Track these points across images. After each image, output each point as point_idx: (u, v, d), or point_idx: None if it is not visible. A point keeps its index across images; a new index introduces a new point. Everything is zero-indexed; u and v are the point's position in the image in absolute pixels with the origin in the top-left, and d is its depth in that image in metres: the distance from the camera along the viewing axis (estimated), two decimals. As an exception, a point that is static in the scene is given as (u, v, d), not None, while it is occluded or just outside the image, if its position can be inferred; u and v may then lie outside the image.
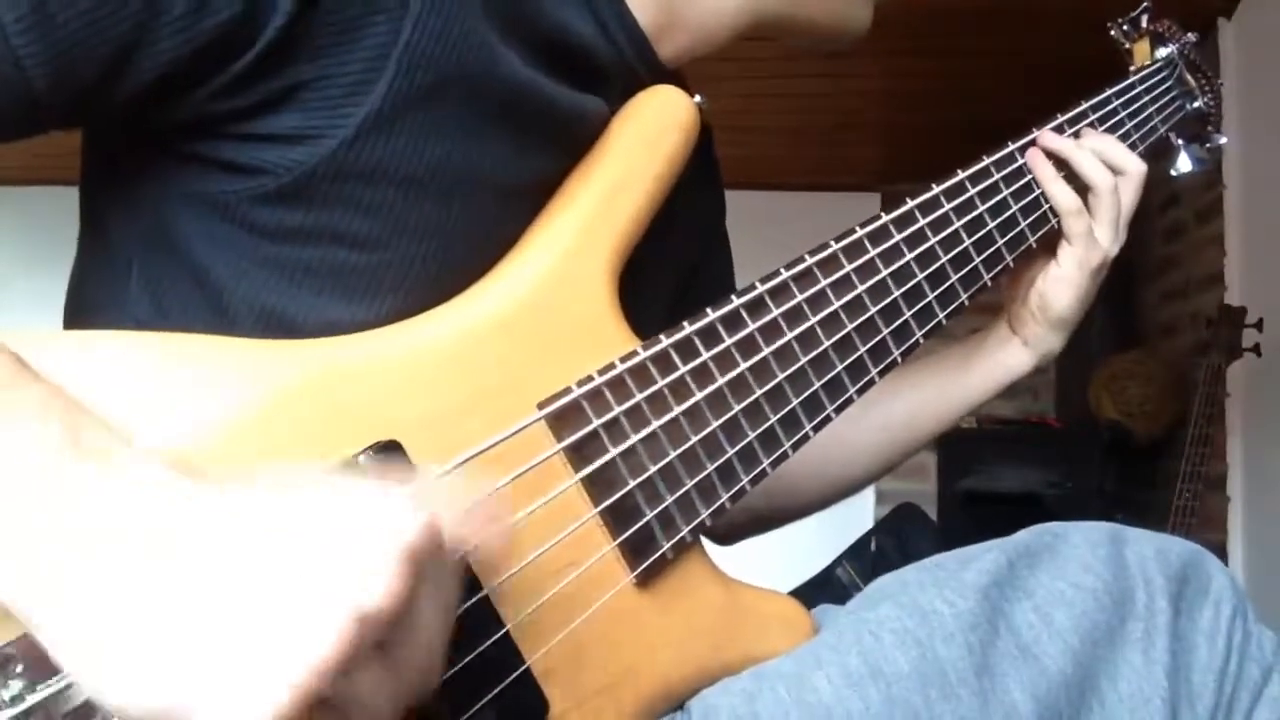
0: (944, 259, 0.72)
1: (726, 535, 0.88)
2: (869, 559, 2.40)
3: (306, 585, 0.36)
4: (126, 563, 0.36)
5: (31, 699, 0.37)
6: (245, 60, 0.49)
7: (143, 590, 0.35)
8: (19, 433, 0.38)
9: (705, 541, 0.63)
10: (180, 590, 0.35)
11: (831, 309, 0.66)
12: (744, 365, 0.62)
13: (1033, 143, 0.79)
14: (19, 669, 0.37)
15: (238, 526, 0.37)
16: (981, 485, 3.02)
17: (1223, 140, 1.01)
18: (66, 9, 0.45)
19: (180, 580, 0.35)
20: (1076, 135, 0.81)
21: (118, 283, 0.56)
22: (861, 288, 0.67)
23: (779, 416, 0.63)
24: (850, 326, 0.66)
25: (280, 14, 0.49)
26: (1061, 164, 0.79)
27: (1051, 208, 0.78)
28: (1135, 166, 0.80)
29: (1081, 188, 0.79)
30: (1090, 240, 0.78)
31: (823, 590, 2.25)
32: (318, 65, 0.51)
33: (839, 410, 0.66)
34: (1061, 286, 0.79)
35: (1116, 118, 0.86)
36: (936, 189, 0.73)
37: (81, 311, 0.60)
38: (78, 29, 0.46)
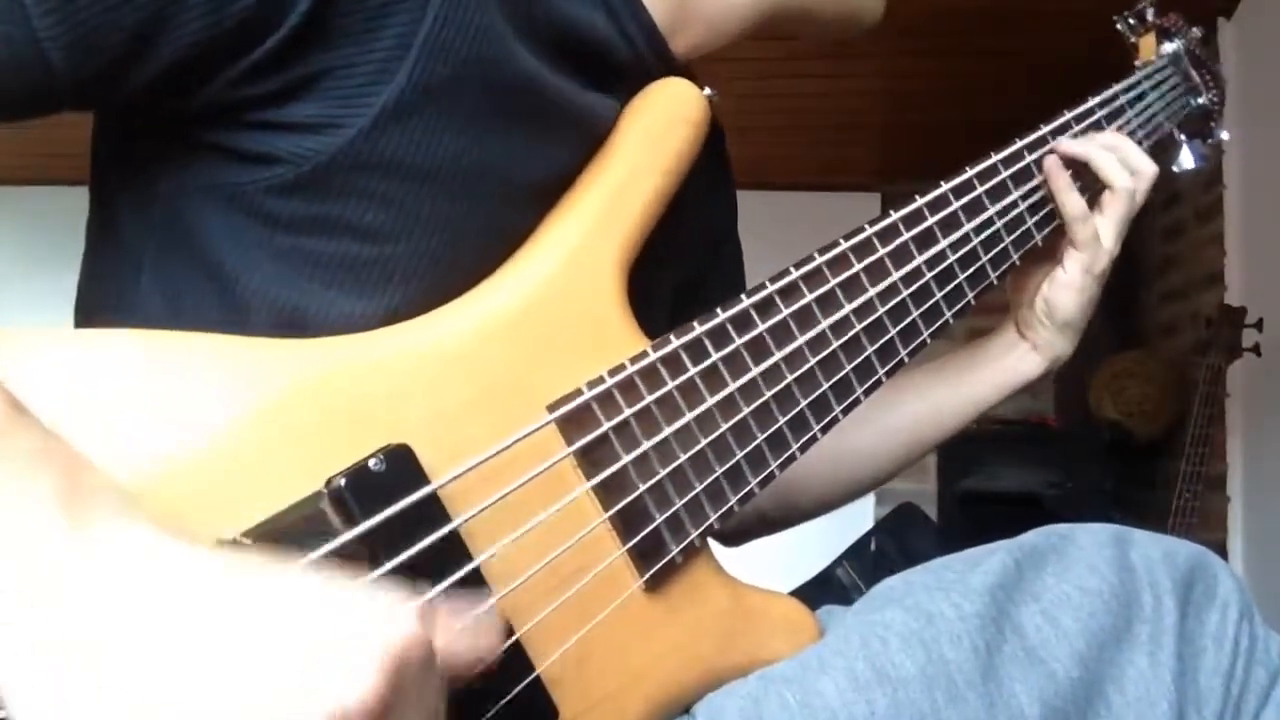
0: (952, 258, 0.72)
1: (733, 537, 0.88)
2: (869, 559, 2.40)
3: (288, 682, 0.34)
4: (104, 646, 0.34)
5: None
6: (267, 47, 0.49)
7: (117, 677, 0.34)
8: (8, 487, 0.36)
9: (709, 542, 0.63)
10: (156, 680, 0.34)
11: (841, 310, 0.65)
12: (754, 367, 0.61)
13: (1042, 141, 0.79)
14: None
15: (222, 614, 0.36)
16: (981, 485, 3.02)
17: (1225, 136, 1.01)
18: None
19: (158, 670, 0.34)
20: (1085, 135, 0.81)
21: (128, 280, 0.56)
22: (871, 288, 0.67)
23: (787, 419, 0.63)
24: (859, 327, 0.66)
25: (304, 2, 0.49)
26: (1067, 164, 0.79)
27: (1060, 215, 0.78)
28: (1149, 168, 0.80)
29: (1086, 186, 0.79)
30: (1096, 244, 0.78)
31: (823, 590, 2.25)
32: (338, 54, 0.51)
33: (846, 411, 0.66)
34: (1067, 292, 0.79)
35: (1124, 114, 0.86)
36: (945, 186, 0.73)
37: (92, 308, 0.60)
38: (99, 10, 0.46)
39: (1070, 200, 0.77)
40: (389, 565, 0.46)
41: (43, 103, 0.48)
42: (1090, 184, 0.79)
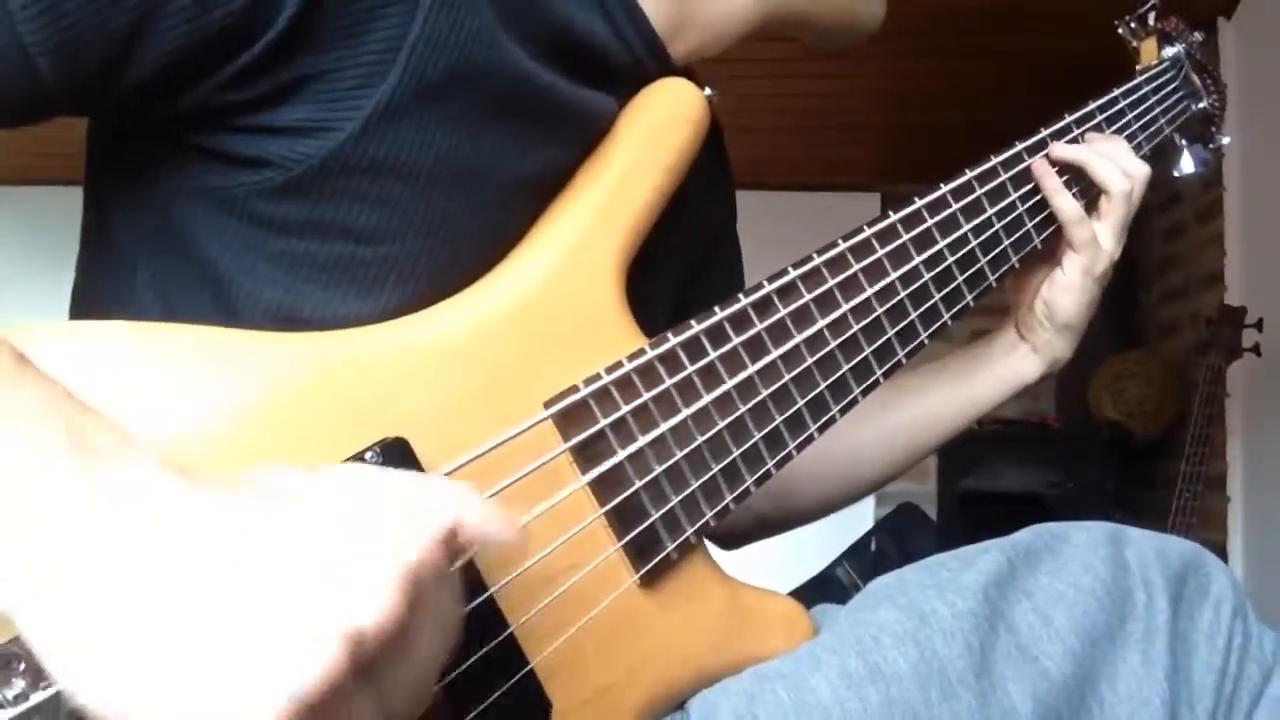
0: (951, 260, 0.72)
1: (732, 540, 0.88)
2: (869, 559, 2.40)
3: (299, 603, 0.34)
4: (116, 572, 0.35)
5: (35, 697, 0.37)
6: (253, 51, 0.49)
7: (131, 600, 0.34)
8: (17, 433, 0.37)
9: (708, 544, 0.63)
10: (170, 603, 0.34)
11: (839, 310, 0.66)
12: (751, 365, 0.62)
13: (1041, 144, 0.79)
14: (21, 667, 0.37)
15: (234, 539, 0.36)
16: (981, 485, 3.02)
17: (1226, 141, 1.01)
18: None
19: (170, 592, 0.34)
20: (1081, 138, 0.81)
21: (123, 281, 0.56)
22: (869, 288, 0.67)
23: (784, 418, 0.63)
24: (857, 327, 0.66)
25: (290, 5, 0.49)
26: (1063, 169, 0.79)
27: (1057, 218, 0.78)
28: (1141, 170, 0.80)
29: (1084, 190, 0.79)
30: (1095, 246, 0.78)
31: (823, 590, 2.25)
32: (327, 57, 0.51)
33: (844, 411, 0.66)
34: (1067, 293, 0.79)
35: (1124, 118, 0.86)
36: (944, 188, 0.73)
37: (87, 309, 0.60)
38: (85, 15, 0.46)
39: (1063, 202, 0.78)
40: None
41: (35, 109, 0.48)
42: (1086, 188, 0.79)
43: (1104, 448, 3.03)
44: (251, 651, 0.33)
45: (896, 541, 2.46)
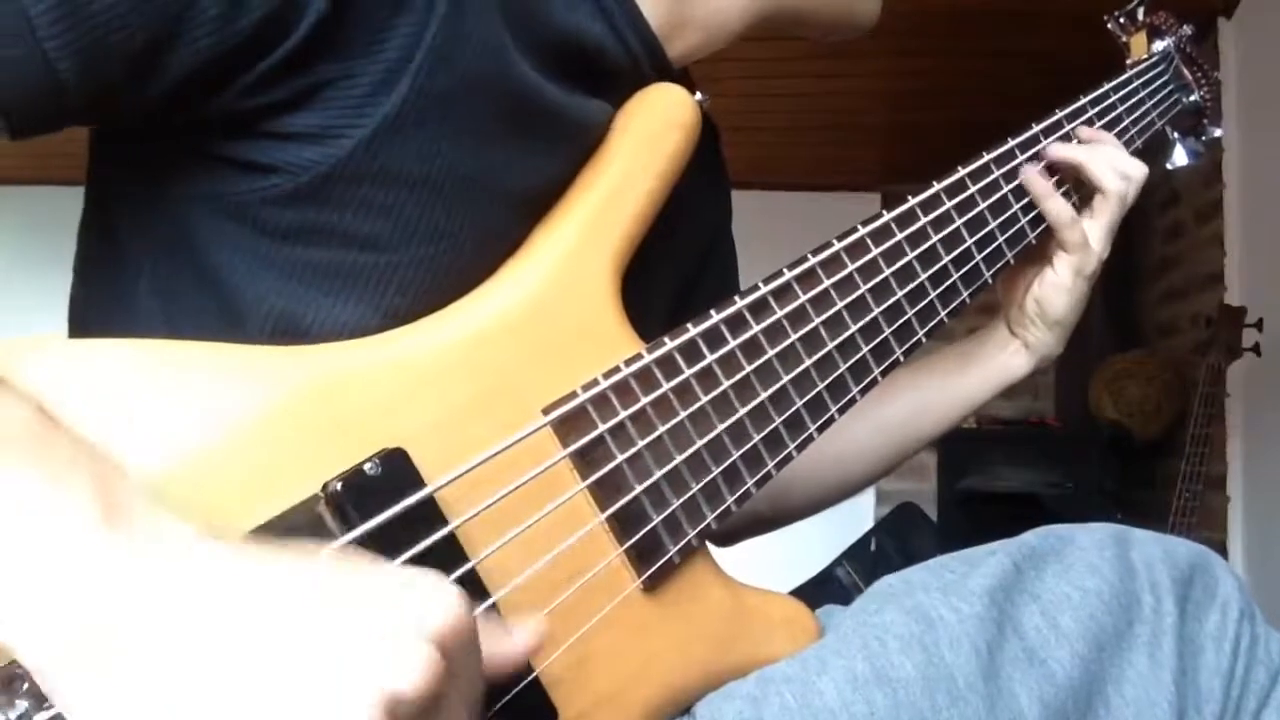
0: (946, 258, 0.72)
1: (727, 537, 0.88)
2: (869, 559, 2.40)
3: (338, 666, 0.34)
4: (152, 636, 0.35)
5: (39, 718, 0.37)
6: (274, 58, 0.49)
7: (164, 669, 0.34)
8: (45, 491, 0.37)
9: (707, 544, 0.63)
10: (203, 660, 0.34)
11: (834, 310, 0.65)
12: (748, 367, 0.61)
13: (1033, 140, 0.79)
14: (25, 688, 0.37)
15: (270, 602, 0.36)
16: (981, 485, 3.02)
17: (1218, 133, 1.01)
18: (96, 1, 0.45)
19: (208, 653, 0.34)
20: (1074, 134, 0.81)
21: (126, 284, 0.56)
22: (864, 287, 0.67)
23: (783, 419, 0.63)
24: (854, 328, 0.66)
25: (313, 11, 0.49)
26: (1057, 168, 0.79)
27: (1048, 222, 0.78)
28: (1138, 171, 0.80)
29: (1074, 188, 0.79)
30: (1086, 248, 0.78)
31: (823, 590, 2.25)
32: (343, 64, 0.51)
33: (842, 411, 0.66)
34: (1058, 292, 0.79)
35: (1115, 113, 0.86)
36: (937, 186, 0.73)
37: (87, 313, 0.60)
38: (107, 23, 0.45)
39: (1055, 206, 0.78)
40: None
41: (54, 118, 0.48)
42: (1074, 185, 0.79)
43: (1104, 448, 3.03)
44: (296, 710, 0.33)
45: (896, 541, 2.46)
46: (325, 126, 0.51)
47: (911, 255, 0.70)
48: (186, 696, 0.34)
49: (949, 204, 0.73)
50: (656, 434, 0.57)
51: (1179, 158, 0.99)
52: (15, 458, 0.37)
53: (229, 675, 0.34)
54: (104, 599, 0.35)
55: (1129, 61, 0.94)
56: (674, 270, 0.75)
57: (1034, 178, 0.78)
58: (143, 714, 0.33)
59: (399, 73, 0.51)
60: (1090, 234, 0.78)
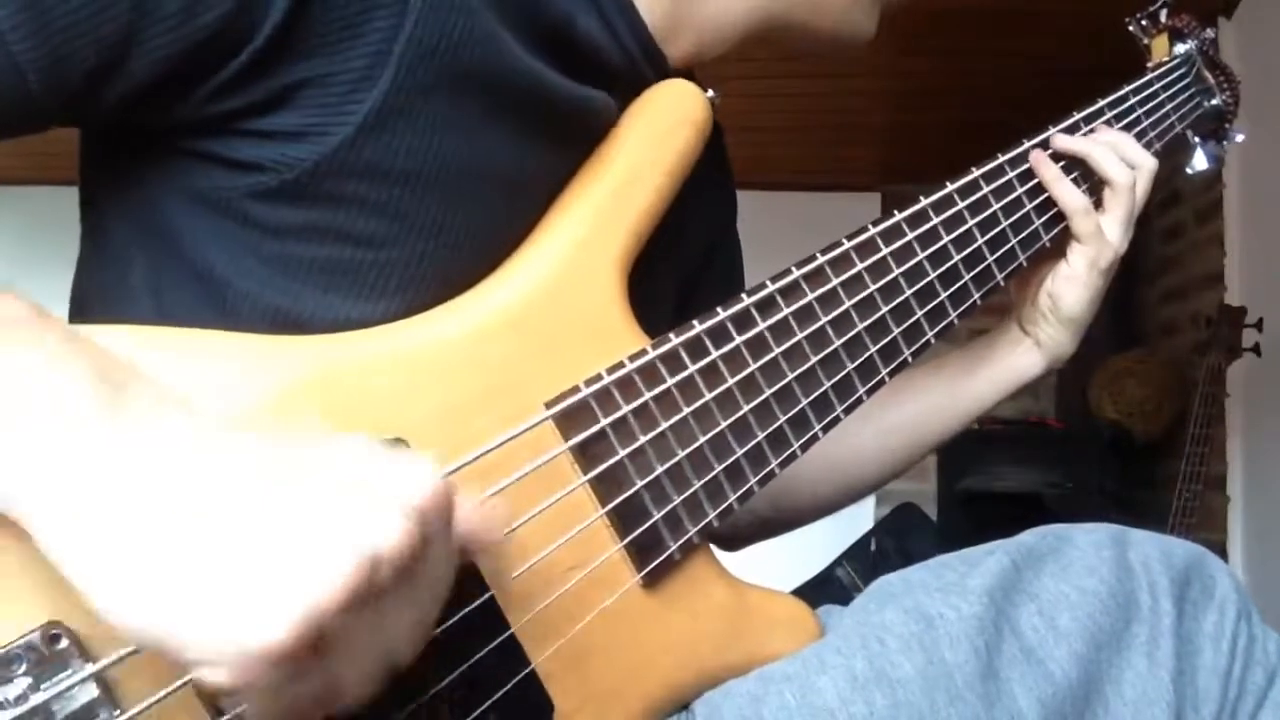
0: (956, 258, 0.72)
1: (732, 541, 0.88)
2: (869, 559, 2.40)
3: (320, 520, 0.36)
4: (146, 483, 0.37)
5: (35, 699, 0.37)
6: (241, 59, 0.49)
7: (159, 511, 0.36)
8: (42, 371, 0.39)
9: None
10: (195, 512, 0.36)
11: (842, 309, 0.65)
12: (753, 365, 0.61)
13: (1046, 142, 0.79)
14: (22, 669, 0.37)
15: (260, 459, 0.38)
16: (981, 485, 3.02)
17: (1240, 137, 1.00)
18: (59, 6, 0.45)
19: (197, 502, 0.36)
20: (1088, 134, 0.81)
21: (120, 283, 0.56)
22: (873, 287, 0.67)
23: (788, 417, 0.63)
24: (861, 326, 0.66)
25: (276, 11, 0.49)
26: (1071, 164, 0.79)
27: (1060, 208, 0.78)
28: (1148, 161, 0.80)
29: (1092, 186, 0.79)
30: (1100, 239, 0.78)
31: (823, 590, 2.25)
32: (318, 63, 0.50)
33: (848, 411, 0.66)
34: (1072, 286, 0.79)
35: (1133, 115, 0.86)
36: (950, 187, 0.73)
37: (85, 311, 0.60)
38: (70, 26, 0.46)
39: (1064, 191, 0.77)
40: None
41: (26, 121, 0.49)
42: (1094, 184, 0.79)
43: (1104, 448, 3.03)
44: (276, 560, 0.35)
45: (896, 541, 2.46)
46: (307, 125, 0.51)
47: (922, 255, 0.70)
48: (176, 548, 0.36)
49: (961, 205, 0.72)
50: (659, 429, 0.57)
51: (1199, 162, 0.99)
52: (16, 337, 0.40)
53: (215, 531, 0.36)
54: (98, 462, 0.37)
55: (1149, 64, 0.94)
56: (679, 267, 0.75)
57: (1042, 161, 0.77)
58: (134, 567, 0.36)
59: (379, 67, 0.51)
60: (1105, 226, 0.78)
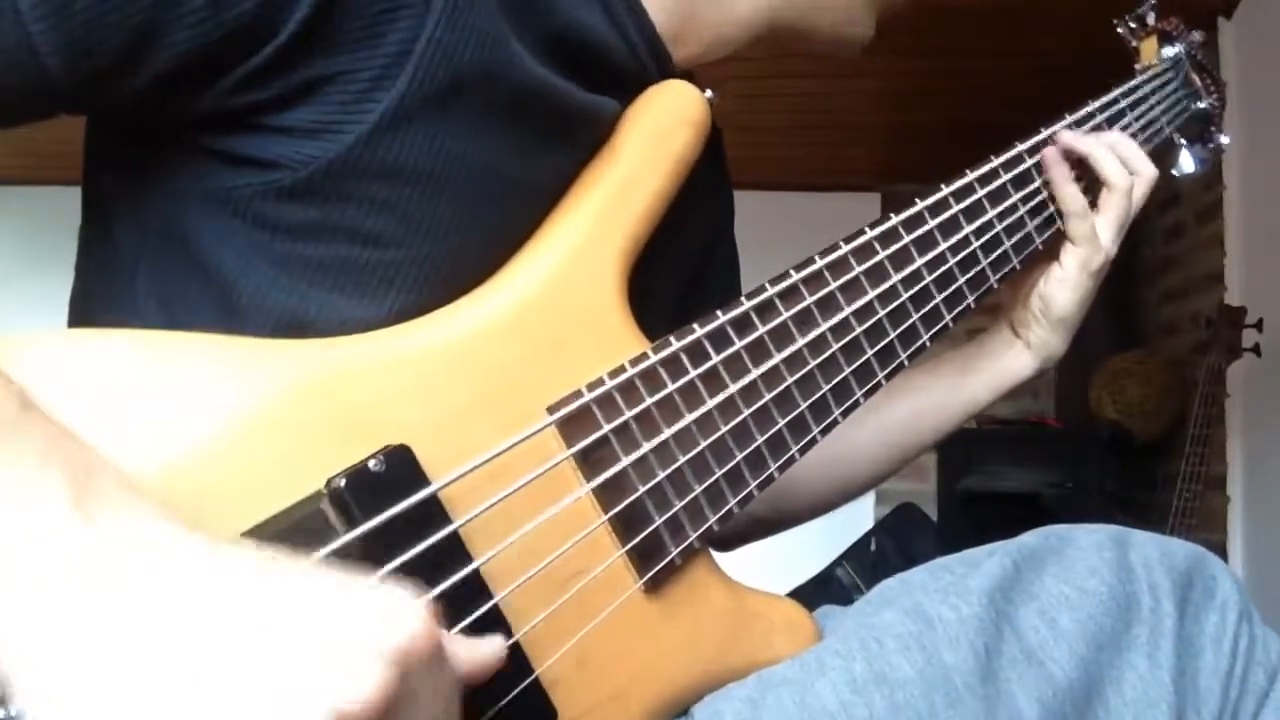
0: (952, 262, 0.72)
1: (729, 541, 0.88)
2: (869, 559, 2.40)
3: (288, 680, 0.34)
4: (110, 639, 0.35)
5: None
6: (265, 53, 0.49)
7: (124, 664, 0.34)
8: (16, 480, 0.37)
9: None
10: (161, 668, 0.34)
11: (841, 313, 0.65)
12: (753, 369, 0.61)
13: (1046, 142, 0.79)
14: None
15: (228, 610, 0.36)
16: (981, 485, 3.02)
17: (1225, 141, 1.01)
18: None
19: (163, 658, 0.35)
20: (1092, 132, 0.81)
21: (124, 283, 0.56)
22: (871, 291, 0.67)
23: (787, 421, 0.63)
24: (859, 330, 0.66)
25: (304, 7, 0.49)
26: (1068, 158, 0.79)
27: (1058, 209, 0.78)
28: (1148, 169, 0.80)
29: (1088, 186, 0.79)
30: (1094, 241, 0.78)
31: (823, 590, 2.26)
32: (339, 60, 0.50)
33: (846, 414, 0.66)
34: (1064, 288, 0.79)
35: (1124, 118, 0.86)
36: (945, 190, 0.73)
37: (86, 312, 0.59)
38: (94, 14, 0.45)
39: (1068, 193, 0.77)
40: (390, 566, 0.46)
41: (39, 107, 0.48)
42: (1090, 183, 0.79)
43: (1104, 448, 3.03)
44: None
45: (896, 542, 2.46)
46: (324, 122, 0.51)
47: (919, 259, 0.70)
48: (131, 700, 0.34)
49: (957, 208, 0.73)
50: (661, 435, 0.57)
51: (1186, 164, 0.99)
52: None
53: (176, 683, 0.34)
54: (67, 597, 0.35)
55: (1138, 66, 0.94)
56: (678, 270, 0.75)
57: (1054, 160, 0.77)
58: (76, 705, 0.34)
59: (398, 67, 0.51)
60: (1099, 229, 0.78)
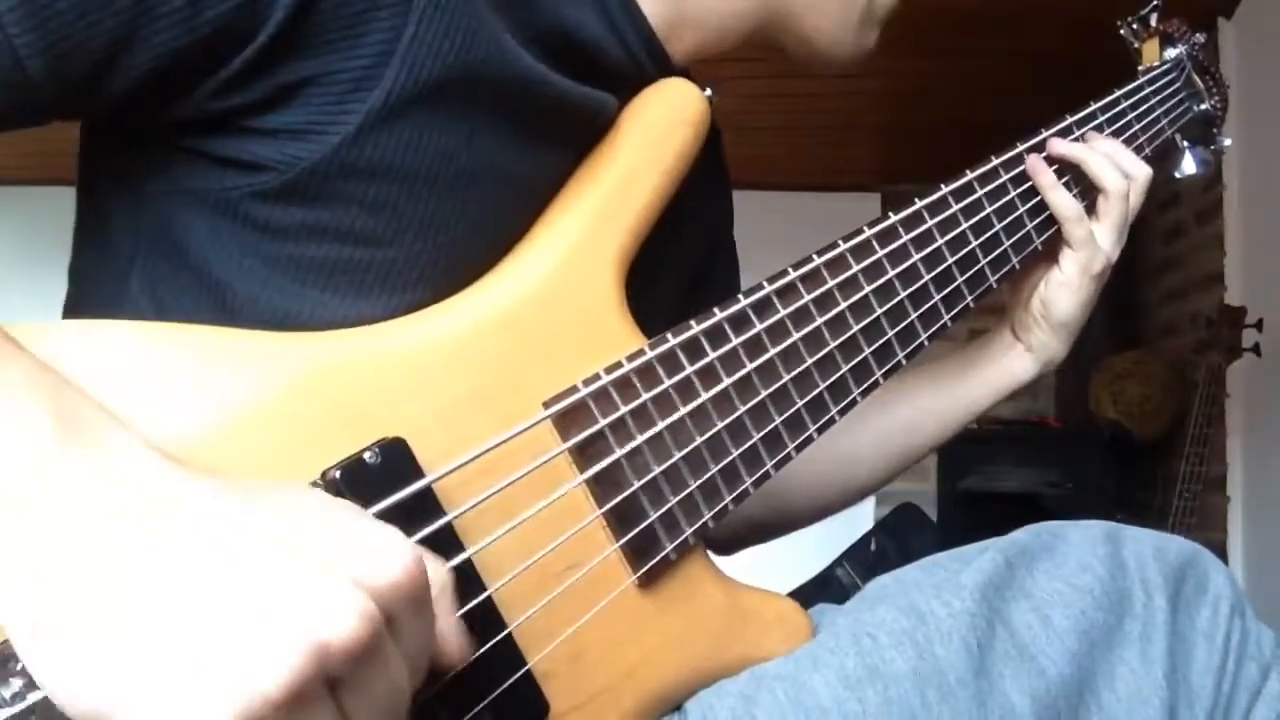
0: (951, 261, 0.72)
1: (728, 544, 0.88)
2: (869, 559, 2.40)
3: (269, 608, 0.35)
4: (96, 559, 0.35)
5: (33, 697, 0.37)
6: (245, 56, 0.49)
7: (106, 588, 0.35)
8: (3, 410, 0.38)
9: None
10: (144, 595, 0.35)
11: (838, 310, 0.66)
12: (750, 366, 0.62)
13: (1043, 145, 0.79)
14: (20, 666, 0.37)
15: (213, 537, 0.36)
16: (981, 485, 3.02)
17: (1227, 143, 1.01)
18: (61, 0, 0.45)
19: (146, 584, 0.35)
20: (1082, 139, 0.81)
21: (118, 282, 0.56)
22: (869, 289, 0.67)
23: (784, 418, 0.63)
24: (856, 328, 0.66)
25: (280, 8, 0.49)
26: (1064, 169, 0.79)
27: (1054, 213, 0.78)
28: (1142, 171, 0.80)
29: (1085, 191, 0.79)
30: (1093, 245, 0.78)
31: (823, 590, 2.25)
32: (321, 61, 0.50)
33: (843, 413, 0.66)
34: (1064, 291, 0.79)
35: (1125, 119, 0.86)
36: (945, 189, 0.73)
37: (80, 312, 0.60)
38: (75, 17, 0.45)
39: (1059, 198, 0.77)
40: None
41: (27, 113, 0.48)
42: (1087, 188, 0.79)
43: (1104, 448, 3.03)
44: (220, 649, 0.34)
45: (896, 542, 2.45)
46: (308, 123, 0.51)
47: (917, 258, 0.70)
48: (111, 618, 0.34)
49: (956, 207, 0.73)
50: (656, 430, 0.58)
51: (1188, 166, 0.99)
52: None
53: (156, 610, 0.34)
54: (50, 523, 0.36)
55: (1141, 68, 0.94)
56: (676, 268, 0.75)
57: (1039, 167, 0.77)
58: (74, 654, 0.34)
59: (381, 66, 0.51)
60: (1097, 233, 0.78)
